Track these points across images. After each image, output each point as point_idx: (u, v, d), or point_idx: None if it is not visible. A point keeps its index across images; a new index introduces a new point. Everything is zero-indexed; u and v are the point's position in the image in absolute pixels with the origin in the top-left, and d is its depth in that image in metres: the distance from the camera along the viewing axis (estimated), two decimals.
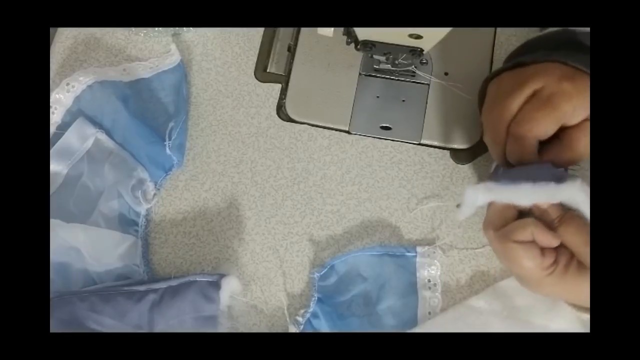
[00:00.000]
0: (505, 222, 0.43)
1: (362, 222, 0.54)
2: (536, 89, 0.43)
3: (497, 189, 0.43)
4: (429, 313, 0.50)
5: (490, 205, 0.44)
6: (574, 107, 0.41)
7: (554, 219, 0.41)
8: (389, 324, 0.50)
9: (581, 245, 0.40)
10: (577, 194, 0.40)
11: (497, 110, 0.44)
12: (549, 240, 0.41)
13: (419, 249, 0.52)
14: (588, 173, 0.53)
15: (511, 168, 0.44)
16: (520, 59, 0.46)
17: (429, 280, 0.51)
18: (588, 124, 0.42)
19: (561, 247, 0.41)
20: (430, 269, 0.51)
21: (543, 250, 0.41)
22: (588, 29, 0.45)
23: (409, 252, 0.52)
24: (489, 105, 0.47)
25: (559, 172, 0.42)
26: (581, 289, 0.40)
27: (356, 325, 0.50)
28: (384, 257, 0.52)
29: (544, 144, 0.44)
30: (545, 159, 0.43)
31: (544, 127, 0.42)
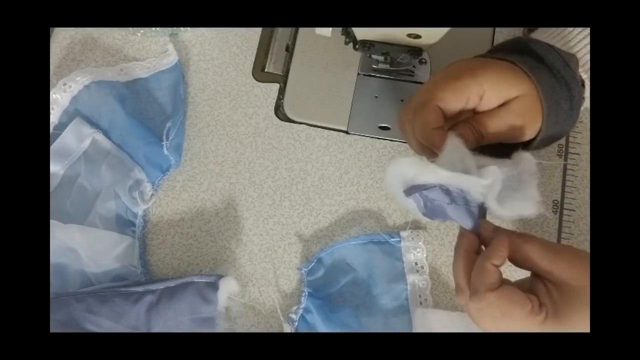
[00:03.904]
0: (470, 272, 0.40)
1: (361, 223, 0.54)
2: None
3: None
4: (419, 296, 0.51)
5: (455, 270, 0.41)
6: (478, 84, 0.41)
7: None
8: (380, 311, 0.50)
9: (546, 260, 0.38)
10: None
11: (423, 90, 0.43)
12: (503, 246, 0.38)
13: (402, 233, 0.52)
14: (587, 173, 0.54)
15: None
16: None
17: (416, 263, 0.52)
18: (499, 112, 0.42)
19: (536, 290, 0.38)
20: (416, 252, 0.52)
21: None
22: (539, 38, 0.46)
23: (392, 237, 0.52)
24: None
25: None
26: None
27: (349, 315, 0.50)
28: (368, 244, 0.52)
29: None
30: (452, 132, 0.42)
31: (447, 96, 0.41)
